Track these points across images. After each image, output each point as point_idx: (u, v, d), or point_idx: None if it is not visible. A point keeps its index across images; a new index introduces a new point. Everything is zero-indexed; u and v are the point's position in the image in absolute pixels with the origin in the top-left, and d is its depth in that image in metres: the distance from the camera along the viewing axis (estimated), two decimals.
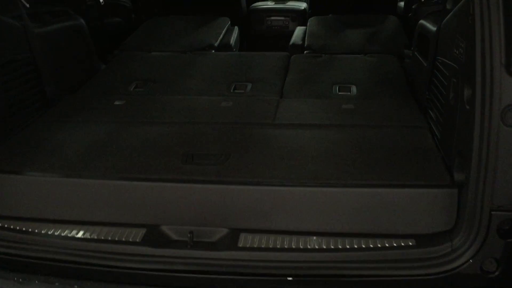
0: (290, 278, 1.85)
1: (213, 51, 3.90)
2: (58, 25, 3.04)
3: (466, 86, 1.84)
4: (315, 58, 3.56)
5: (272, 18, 5.12)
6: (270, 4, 5.31)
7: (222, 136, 2.41)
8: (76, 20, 3.26)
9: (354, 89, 2.99)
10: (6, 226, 2.05)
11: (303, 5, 5.21)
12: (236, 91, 3.04)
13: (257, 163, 2.14)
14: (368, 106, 2.70)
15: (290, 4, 5.26)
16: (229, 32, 4.32)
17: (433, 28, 2.53)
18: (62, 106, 2.83)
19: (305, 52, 3.79)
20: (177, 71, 3.36)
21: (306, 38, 3.99)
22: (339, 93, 2.95)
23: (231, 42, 4.09)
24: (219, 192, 2.02)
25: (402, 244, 1.89)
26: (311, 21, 4.38)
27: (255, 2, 5.40)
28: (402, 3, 4.82)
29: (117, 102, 2.85)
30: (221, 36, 4.14)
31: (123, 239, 1.97)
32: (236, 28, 4.45)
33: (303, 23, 5.07)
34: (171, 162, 2.17)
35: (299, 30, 4.35)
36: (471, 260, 1.77)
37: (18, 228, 2.04)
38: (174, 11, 4.76)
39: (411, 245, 1.88)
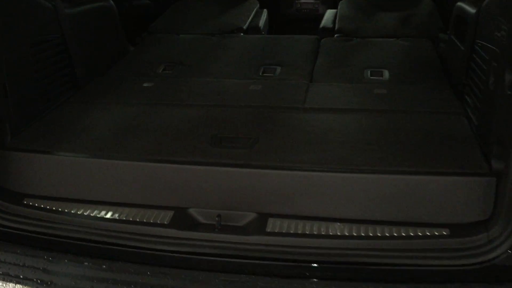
0: (315, 265, 1.82)
1: (242, 34, 3.84)
2: (88, 6, 3.04)
3: (508, 71, 1.75)
4: (346, 41, 3.48)
5: (302, 1, 5.01)
6: None
7: (250, 119, 2.38)
8: (106, 1, 3.26)
9: (386, 73, 2.90)
10: (36, 205, 2.08)
11: None
12: (265, 74, 3.00)
13: (286, 148, 2.11)
14: (401, 91, 2.62)
15: None
16: (258, 15, 4.26)
17: (472, 10, 2.42)
18: (91, 88, 2.83)
19: (335, 35, 3.70)
20: (206, 54, 3.33)
21: (336, 21, 3.90)
22: (371, 77, 2.87)
23: (260, 25, 4.02)
24: (247, 176, 1.99)
25: (436, 233, 1.83)
26: (342, 3, 4.27)
27: None
28: None
29: (146, 84, 2.84)
30: (250, 19, 4.08)
31: (151, 221, 1.96)
32: (265, 11, 4.38)
33: (333, 6, 4.96)
34: (199, 145, 2.15)
35: (329, 13, 4.25)
36: (509, 251, 1.70)
37: (48, 207, 2.06)
38: None
39: (444, 235, 1.82)
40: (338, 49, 3.36)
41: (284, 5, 5.03)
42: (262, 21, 4.12)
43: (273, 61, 3.16)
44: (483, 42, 2.17)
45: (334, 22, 3.96)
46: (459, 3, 2.77)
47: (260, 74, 2.99)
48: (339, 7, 4.22)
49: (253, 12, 4.21)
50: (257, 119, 2.37)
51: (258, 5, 4.42)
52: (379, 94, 2.58)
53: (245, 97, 2.63)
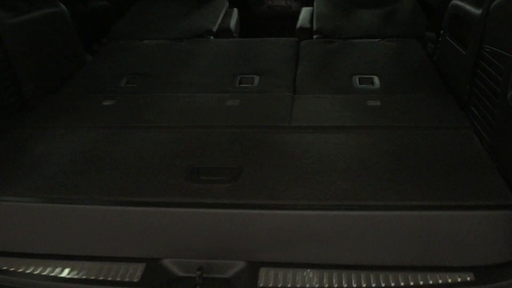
0: None
1: (212, 37, 3.49)
2: (35, 14, 2.63)
3: None
4: (327, 43, 3.18)
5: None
6: None
7: (231, 143, 2.05)
8: (56, 6, 2.85)
9: (376, 80, 2.62)
10: None
11: None
12: (242, 85, 2.67)
13: (276, 179, 1.79)
14: (397, 102, 2.34)
15: None
16: (228, 14, 3.91)
17: (475, 11, 2.16)
18: (42, 109, 2.44)
19: (314, 37, 3.40)
20: (174, 63, 2.97)
21: (314, 20, 3.59)
22: (361, 86, 2.58)
23: (231, 26, 3.68)
24: (233, 218, 1.67)
25: (458, 279, 1.56)
26: (318, 0, 3.97)
27: None
28: None
29: (106, 102, 2.46)
30: (220, 19, 3.72)
31: (118, 279, 1.62)
32: (235, 10, 4.03)
33: (307, 3, 4.66)
34: (173, 180, 1.81)
35: (305, 12, 3.94)
36: None
37: None
38: None
39: (469, 281, 1.55)
40: (319, 52, 3.06)
41: (254, 2, 4.70)
42: (233, 22, 3.78)
43: (250, 69, 2.84)
44: (494, 48, 1.90)
45: (311, 21, 3.66)
46: (455, 1, 2.51)
47: (237, 85, 2.66)
48: (315, 5, 3.91)
49: (223, 12, 3.86)
50: (239, 143, 2.05)
51: (228, 4, 4.07)
52: (373, 107, 2.29)
53: (222, 115, 2.30)
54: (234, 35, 3.70)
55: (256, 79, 2.70)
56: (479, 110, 2.04)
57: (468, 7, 2.28)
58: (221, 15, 3.80)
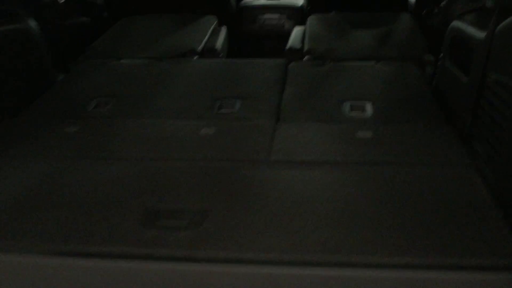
0: None
1: (196, 57, 3.27)
2: None
3: None
4: (318, 66, 2.94)
5: (265, 16, 4.48)
6: (262, 0, 4.67)
7: (199, 180, 1.80)
8: (22, 22, 2.62)
9: (369, 107, 2.38)
10: None
11: (300, 1, 4.57)
12: (221, 111, 2.43)
13: (247, 225, 1.54)
14: (390, 134, 2.09)
15: (286, 0, 4.61)
16: (215, 33, 3.69)
17: (479, 34, 1.92)
18: None
19: (305, 58, 3.17)
20: (150, 84, 2.73)
21: (305, 40, 3.37)
22: (351, 113, 2.34)
23: (216, 46, 3.45)
24: (189, 274, 1.41)
25: None
26: (311, 20, 3.75)
27: None
28: None
29: (68, 129, 2.22)
30: (206, 38, 3.50)
31: None
32: (224, 28, 3.82)
33: (301, 22, 4.45)
34: (127, 224, 1.55)
35: (297, 31, 3.73)
36: None
37: None
38: (154, 9, 4.11)
39: None
40: (309, 75, 2.82)
41: (246, 21, 4.49)
42: (220, 41, 3.56)
43: (232, 92, 2.60)
44: (501, 77, 1.66)
45: (303, 41, 3.44)
46: (456, 22, 2.28)
47: (216, 110, 2.41)
48: (307, 24, 3.70)
49: (210, 31, 3.64)
50: (209, 180, 1.80)
51: (216, 22, 3.85)
52: (363, 139, 2.05)
53: (194, 146, 2.05)
54: (221, 55, 3.48)
55: (238, 103, 2.46)
56: (482, 146, 1.79)
57: (470, 29, 2.04)
58: (208, 34, 3.58)
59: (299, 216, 1.57)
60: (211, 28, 3.69)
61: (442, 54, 2.47)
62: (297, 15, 4.48)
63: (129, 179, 1.80)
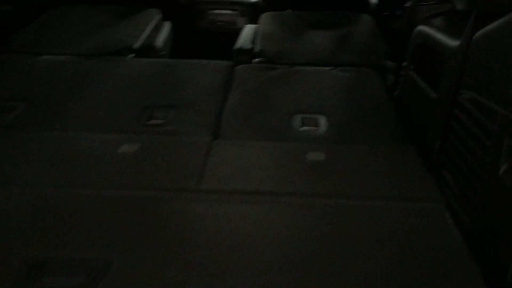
0: None
1: (132, 55, 2.86)
2: None
3: None
4: (268, 70, 2.60)
5: (216, 11, 4.11)
6: None
7: (104, 217, 1.42)
8: None
9: (323, 121, 2.06)
10: None
11: None
12: (151, 122, 2.05)
13: (158, 282, 1.18)
14: (345, 157, 1.77)
15: None
16: (157, 29, 3.29)
17: (451, 42, 1.62)
18: None
19: (255, 60, 2.83)
20: (70, 87, 2.32)
21: (257, 40, 3.03)
22: (303, 128, 2.01)
23: (156, 43, 3.05)
24: None
25: None
26: (264, 18, 3.41)
27: None
28: None
29: None
30: (145, 34, 3.10)
31: None
32: (168, 24, 3.42)
33: (254, 19, 4.11)
34: (4, 278, 1.17)
35: (248, 30, 3.38)
36: None
37: None
38: None
39: None
40: (257, 81, 2.47)
41: (195, 16, 4.10)
42: (161, 38, 3.16)
43: (166, 99, 2.22)
44: (477, 96, 1.36)
45: (254, 41, 3.09)
46: (422, 27, 1.98)
47: (143, 122, 2.03)
48: (260, 22, 3.35)
49: (151, 26, 3.23)
50: (117, 217, 1.42)
51: (160, 17, 3.45)
52: (315, 163, 1.72)
53: (108, 168, 1.67)
54: (161, 53, 3.08)
55: (171, 114, 2.09)
56: (454, 179, 1.50)
57: (439, 36, 1.74)
58: (148, 29, 3.18)
59: (226, 268, 1.22)
60: (153, 23, 3.29)
61: (405, 62, 2.18)
62: (251, 12, 4.13)
63: (14, 215, 1.41)
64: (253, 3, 4.11)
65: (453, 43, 1.57)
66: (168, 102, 2.19)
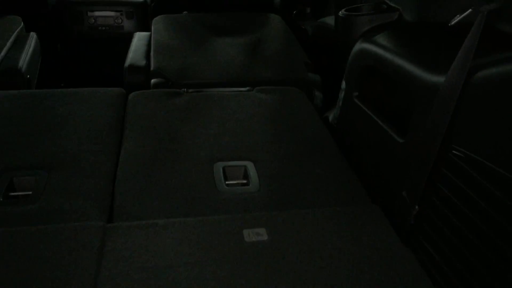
0: None
1: None
2: None
3: None
4: (170, 97, 2.05)
5: (96, 13, 3.43)
6: None
7: None
8: None
9: (252, 172, 1.58)
10: None
11: None
12: (11, 196, 1.43)
13: None
14: (296, 234, 1.31)
15: None
16: (19, 44, 2.55)
17: (428, 77, 1.21)
18: None
19: (152, 81, 2.25)
20: None
21: (152, 54, 2.44)
22: (228, 184, 1.52)
23: (20, 64, 2.34)
24: None
25: None
26: (157, 23, 2.82)
27: None
28: None
29: None
30: (2, 53, 2.37)
31: None
32: (32, 35, 2.69)
33: (144, 22, 3.49)
34: None
35: (139, 39, 2.77)
36: None
37: None
38: None
39: None
40: (157, 115, 1.91)
41: (71, 19, 3.38)
42: (25, 57, 2.44)
43: (31, 157, 1.59)
44: (479, 158, 0.97)
45: (148, 55, 2.51)
46: (367, 45, 1.56)
47: (4, 194, 1.41)
48: (152, 29, 2.76)
49: (10, 41, 2.50)
50: None
51: (22, 26, 2.72)
52: (254, 246, 1.24)
53: None
54: (26, 78, 2.37)
55: (40, 180, 1.47)
56: (441, 254, 1.10)
57: (406, 64, 1.33)
58: (7, 46, 2.44)
59: None
60: (13, 36, 2.55)
61: (344, 84, 1.76)
62: (139, 13, 3.50)
63: None
64: (140, 3, 3.49)
65: (433, 78, 1.17)
66: (35, 161, 1.57)
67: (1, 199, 1.40)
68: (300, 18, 3.14)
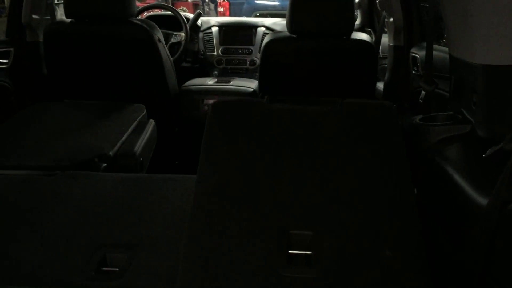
0: None
1: (104, 165, 2.49)
2: None
3: None
4: None
5: (211, 101, 3.80)
6: (209, 82, 3.99)
7: None
8: None
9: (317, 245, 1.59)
10: None
11: (253, 86, 3.90)
12: (101, 271, 1.64)
13: None
14: None
15: (236, 84, 3.94)
16: (139, 129, 2.93)
17: (478, 198, 1.20)
18: None
19: None
20: (12, 219, 1.94)
21: None
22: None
23: (135, 149, 2.68)
24: None
25: None
26: None
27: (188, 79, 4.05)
28: (381, 85, 3.59)
29: None
30: (123, 137, 2.74)
31: None
32: (151, 122, 3.07)
33: None
34: None
35: None
36: None
37: None
38: (71, 94, 3.38)
39: None
40: None
41: (187, 107, 3.79)
42: (140, 143, 2.79)
43: (125, 236, 1.82)
44: None
45: None
46: (436, 157, 1.57)
47: (91, 272, 1.62)
48: None
49: (132, 127, 2.88)
50: None
51: (144, 114, 3.11)
52: None
53: None
54: (140, 162, 2.69)
55: (124, 259, 1.68)
56: None
57: (465, 184, 1.30)
58: (128, 131, 2.81)
59: None
60: (135, 123, 2.94)
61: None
62: None
63: None
64: (251, 92, 3.80)
65: (480, 200, 1.16)
66: (127, 240, 1.79)
67: (93, 273, 1.62)
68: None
